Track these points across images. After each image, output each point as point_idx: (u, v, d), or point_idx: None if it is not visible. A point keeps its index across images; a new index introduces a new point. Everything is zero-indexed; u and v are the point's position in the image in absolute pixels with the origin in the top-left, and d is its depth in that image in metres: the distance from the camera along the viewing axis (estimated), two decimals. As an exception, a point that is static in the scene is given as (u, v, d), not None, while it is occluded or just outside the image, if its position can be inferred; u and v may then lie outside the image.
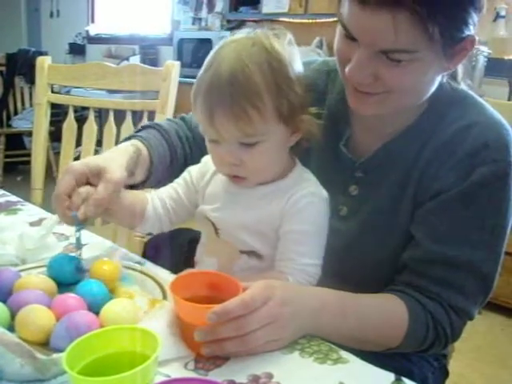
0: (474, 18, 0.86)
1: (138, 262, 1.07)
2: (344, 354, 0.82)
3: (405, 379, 0.76)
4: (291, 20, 4.24)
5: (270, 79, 0.88)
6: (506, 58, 3.40)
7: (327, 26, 4.00)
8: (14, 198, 1.50)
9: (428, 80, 0.91)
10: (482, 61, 3.22)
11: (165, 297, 0.90)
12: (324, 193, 0.98)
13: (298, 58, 0.95)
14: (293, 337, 0.82)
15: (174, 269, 1.01)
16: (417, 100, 0.95)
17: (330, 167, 1.06)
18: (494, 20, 3.47)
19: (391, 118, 1.00)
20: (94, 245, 1.15)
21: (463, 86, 1.02)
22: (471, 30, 0.87)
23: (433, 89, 0.94)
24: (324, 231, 0.96)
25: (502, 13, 3.43)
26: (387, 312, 0.94)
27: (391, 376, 0.77)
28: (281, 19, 4.24)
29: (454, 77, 1.00)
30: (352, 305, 0.90)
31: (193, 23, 5.12)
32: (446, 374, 1.18)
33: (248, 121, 0.88)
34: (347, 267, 1.01)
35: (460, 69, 1.00)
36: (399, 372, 0.77)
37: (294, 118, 0.92)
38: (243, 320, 0.76)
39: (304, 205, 0.94)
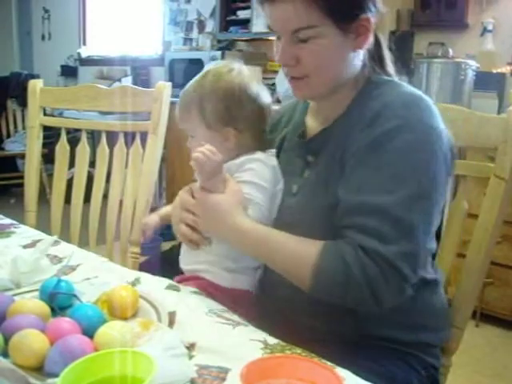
0: (369, 2, 1.05)
1: (133, 283, 1.07)
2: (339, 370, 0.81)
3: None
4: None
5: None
6: (494, 71, 3.43)
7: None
8: (7, 221, 1.50)
9: (338, 58, 1.07)
10: (470, 74, 3.25)
11: (159, 319, 0.90)
12: (271, 161, 1.18)
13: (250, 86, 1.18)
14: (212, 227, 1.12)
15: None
16: (334, 78, 1.09)
17: (291, 158, 1.21)
18: (482, 34, 3.51)
19: (329, 106, 1.15)
20: (88, 265, 1.15)
21: (392, 74, 1.17)
22: (367, 13, 1.05)
23: (349, 69, 1.09)
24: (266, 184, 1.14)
25: (489, 27, 3.47)
26: (297, 251, 1.03)
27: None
28: (270, 38, 4.27)
29: (382, 66, 1.16)
30: (270, 240, 1.06)
31: (184, 43, 5.15)
32: None
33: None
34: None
35: (388, 58, 1.17)
36: (381, 375, 0.78)
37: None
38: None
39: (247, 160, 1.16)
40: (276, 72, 4.11)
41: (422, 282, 1.07)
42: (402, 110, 1.02)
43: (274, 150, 1.22)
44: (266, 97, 1.21)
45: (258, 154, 1.17)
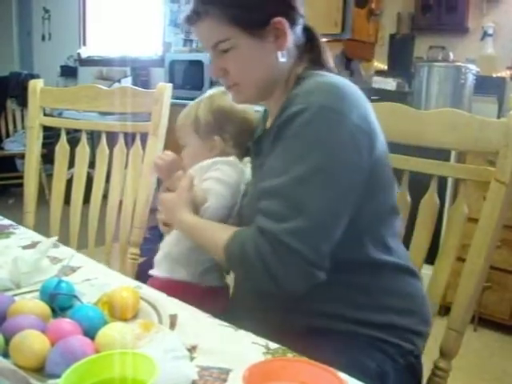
0: (270, 4, 1.11)
1: (137, 286, 1.07)
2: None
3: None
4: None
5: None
6: (494, 75, 3.44)
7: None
8: (6, 222, 1.50)
9: (260, 63, 1.13)
10: (471, 78, 3.26)
11: (160, 321, 0.90)
12: (241, 165, 1.34)
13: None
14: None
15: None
16: (262, 81, 1.15)
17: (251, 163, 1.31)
18: (482, 38, 3.52)
19: (270, 107, 1.22)
20: (88, 268, 1.15)
21: (331, 68, 1.19)
22: (278, 16, 1.10)
23: (277, 71, 1.14)
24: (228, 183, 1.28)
25: (490, 31, 3.48)
26: (215, 237, 1.12)
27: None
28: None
29: (319, 61, 1.18)
30: (199, 228, 1.19)
31: (184, 45, 5.15)
32: (415, 373, 1.16)
33: None
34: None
35: (324, 53, 1.19)
36: (349, 366, 0.78)
37: None
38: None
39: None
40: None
41: (377, 262, 1.10)
42: (306, 96, 1.05)
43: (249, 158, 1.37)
44: (251, 113, 1.39)
45: (231, 158, 1.34)
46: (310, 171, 1.00)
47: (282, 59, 1.13)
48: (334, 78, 1.10)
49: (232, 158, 1.34)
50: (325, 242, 1.00)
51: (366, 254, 1.10)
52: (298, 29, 1.16)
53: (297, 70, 1.16)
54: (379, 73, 3.91)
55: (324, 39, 1.22)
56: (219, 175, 1.29)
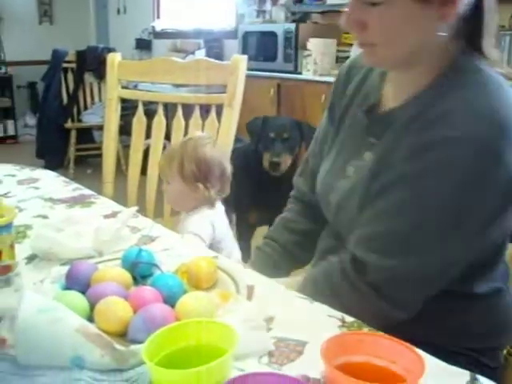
0: None
1: (215, 256, 1.08)
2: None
3: (481, 378, 0.74)
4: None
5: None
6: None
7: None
8: (87, 192, 1.54)
9: (411, 29, 0.92)
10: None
11: (238, 291, 0.91)
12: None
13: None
14: None
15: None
16: (405, 51, 0.95)
17: (353, 133, 1.12)
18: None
19: (403, 80, 1.02)
20: (165, 237, 1.17)
21: (488, 55, 0.97)
22: None
23: (427, 44, 0.94)
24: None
25: None
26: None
27: (466, 375, 0.75)
28: (346, 9, 4.16)
29: (478, 48, 0.96)
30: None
31: (257, 16, 5.10)
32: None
33: None
34: (338, 221, 1.11)
35: (488, 35, 0.95)
36: None
37: None
38: None
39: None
40: (351, 45, 4.02)
41: (470, 296, 1.02)
42: (466, 119, 0.88)
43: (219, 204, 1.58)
44: (227, 163, 1.56)
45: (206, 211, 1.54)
46: (442, 217, 0.90)
47: (442, 33, 0.92)
48: (497, 88, 0.92)
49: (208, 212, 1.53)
50: (426, 292, 0.95)
51: (470, 287, 1.01)
52: None
53: (451, 46, 0.95)
54: None
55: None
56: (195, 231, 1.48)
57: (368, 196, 1.01)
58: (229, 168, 1.57)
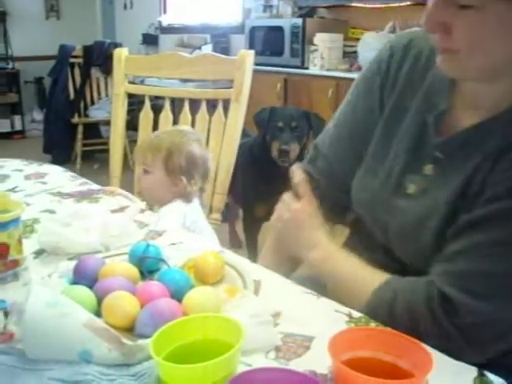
0: None
1: (221, 251, 1.08)
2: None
3: (489, 374, 0.74)
4: (363, 5, 4.14)
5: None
6: None
7: (400, 10, 3.89)
8: (95, 186, 1.54)
9: (506, 43, 0.81)
10: None
11: (245, 286, 0.91)
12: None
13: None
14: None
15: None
16: (488, 64, 0.84)
17: (411, 137, 0.99)
18: None
19: (484, 94, 0.91)
20: (173, 232, 1.17)
21: None
22: None
23: None
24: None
25: None
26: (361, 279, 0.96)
27: (473, 370, 0.75)
28: (353, 4, 4.16)
29: None
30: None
31: (264, 11, 5.09)
32: None
33: None
34: (397, 243, 1.01)
35: None
36: None
37: None
38: None
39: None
40: (357, 40, 4.01)
41: None
42: None
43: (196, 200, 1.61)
44: (211, 164, 1.61)
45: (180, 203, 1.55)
46: None
47: None
48: None
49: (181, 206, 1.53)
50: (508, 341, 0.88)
51: None
52: None
53: None
54: None
55: None
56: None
57: (445, 226, 0.92)
58: (211, 170, 1.61)
